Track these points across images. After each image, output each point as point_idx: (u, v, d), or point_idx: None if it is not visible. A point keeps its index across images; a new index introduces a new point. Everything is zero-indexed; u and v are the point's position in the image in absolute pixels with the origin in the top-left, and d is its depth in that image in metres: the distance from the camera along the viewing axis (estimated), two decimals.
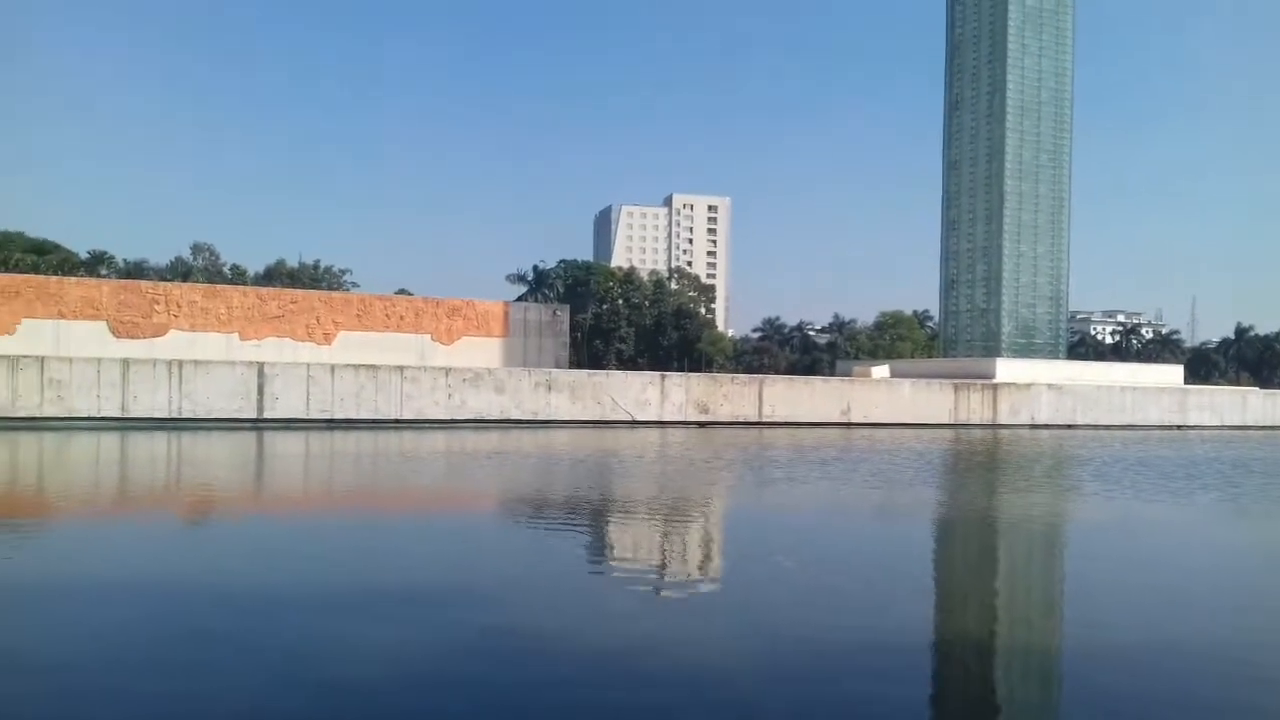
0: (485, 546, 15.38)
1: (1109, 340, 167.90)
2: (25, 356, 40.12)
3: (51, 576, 12.13)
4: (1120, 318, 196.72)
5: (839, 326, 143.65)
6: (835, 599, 11.75)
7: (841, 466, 29.60)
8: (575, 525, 17.77)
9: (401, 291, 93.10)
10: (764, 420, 50.93)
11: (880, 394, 54.99)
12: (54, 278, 61.46)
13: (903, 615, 10.95)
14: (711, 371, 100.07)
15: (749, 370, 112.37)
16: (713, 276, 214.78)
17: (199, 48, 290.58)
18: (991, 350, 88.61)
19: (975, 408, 56.22)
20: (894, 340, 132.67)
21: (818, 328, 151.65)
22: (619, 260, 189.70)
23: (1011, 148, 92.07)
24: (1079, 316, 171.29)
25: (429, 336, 61.18)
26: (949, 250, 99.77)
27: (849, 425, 51.74)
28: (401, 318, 60.86)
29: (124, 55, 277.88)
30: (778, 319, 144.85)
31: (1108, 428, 57.62)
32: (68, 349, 48.85)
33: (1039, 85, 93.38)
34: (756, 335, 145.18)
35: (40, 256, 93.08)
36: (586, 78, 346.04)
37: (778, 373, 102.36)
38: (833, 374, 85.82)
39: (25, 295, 52.81)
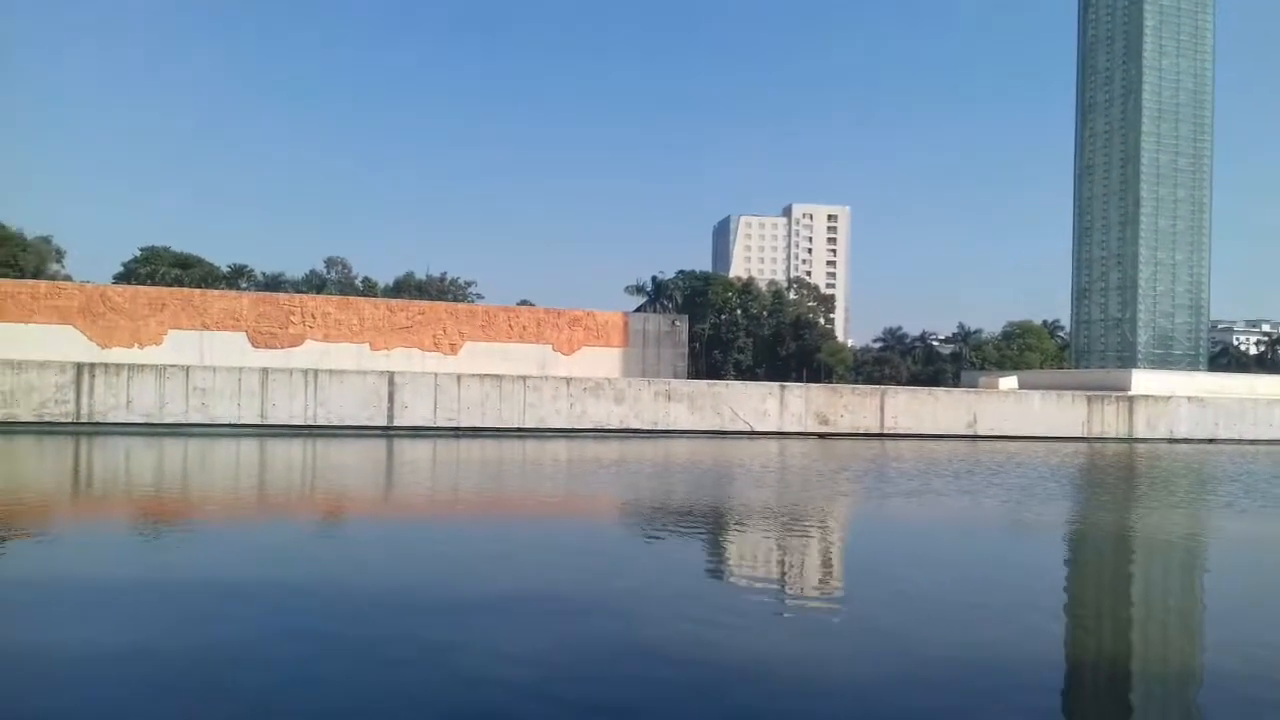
0: (616, 554, 15.55)
1: (1253, 351, 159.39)
2: (172, 366, 42.35)
3: (219, 577, 12.81)
4: (1265, 327, 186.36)
5: (963, 336, 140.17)
6: (974, 615, 11.51)
7: (976, 479, 28.87)
8: (711, 535, 17.82)
9: (524, 302, 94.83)
10: (886, 432, 50.06)
11: (1008, 406, 53.43)
12: (198, 290, 64.65)
13: (1046, 636, 10.66)
14: (831, 382, 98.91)
15: (869, 381, 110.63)
16: (832, 286, 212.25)
17: (328, 70, 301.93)
18: (1126, 361, 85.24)
19: (1109, 421, 54.10)
20: (1021, 350, 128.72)
21: (941, 338, 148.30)
22: (737, 271, 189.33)
23: (1148, 152, 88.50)
24: (1220, 326, 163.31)
25: (550, 347, 62.07)
26: (1081, 258, 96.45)
27: (975, 438, 50.42)
28: (524, 328, 61.91)
29: (255, 73, 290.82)
30: (899, 329, 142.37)
31: (1252, 442, 54.67)
32: (211, 359, 51.33)
33: (1177, 86, 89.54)
34: (877, 345, 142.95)
35: (185, 270, 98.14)
36: (705, 89, 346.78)
37: (899, 384, 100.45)
38: (957, 385, 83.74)
39: (171, 307, 55.66)
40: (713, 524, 19.14)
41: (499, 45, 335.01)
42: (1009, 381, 72.38)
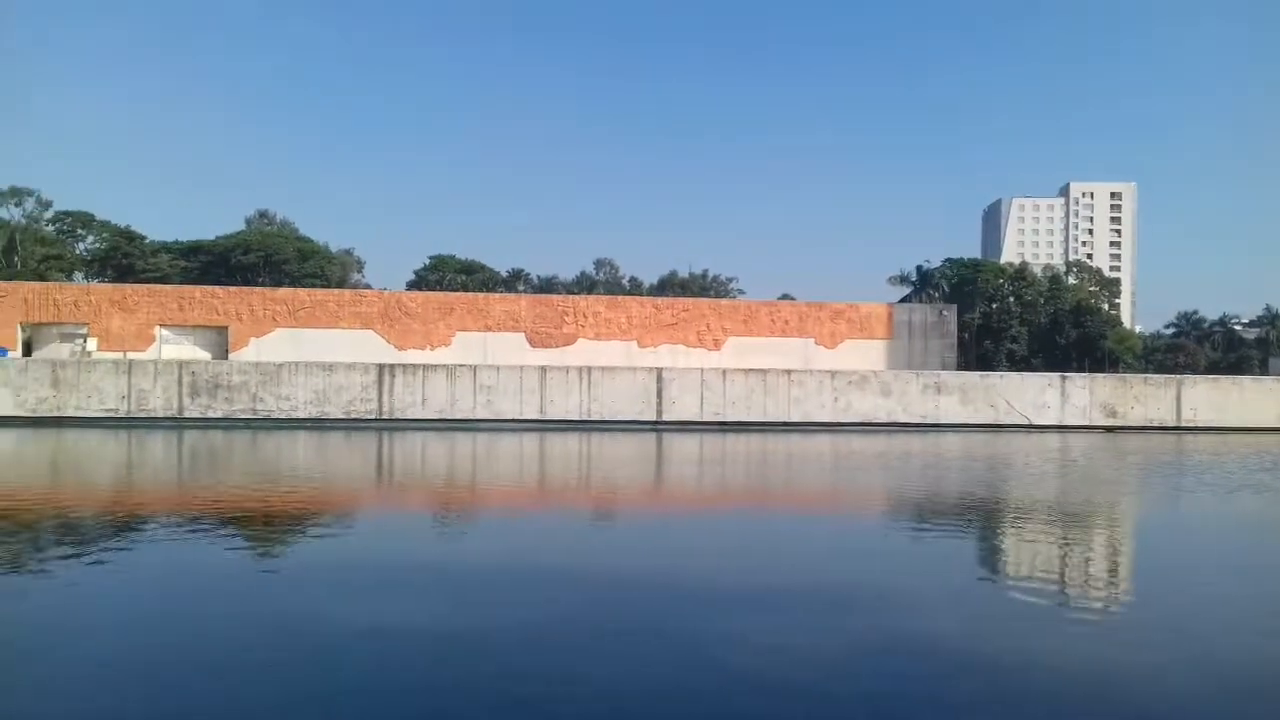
0: (894, 551, 15.41)
1: None
2: (461, 366, 45.60)
3: (515, 564, 13.85)
4: None
5: (1271, 319, 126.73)
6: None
7: None
8: (996, 533, 17.31)
9: (784, 296, 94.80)
10: (1183, 425, 46.21)
11: None
12: (481, 295, 69.24)
13: None
14: (1116, 372, 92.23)
15: (1160, 370, 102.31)
16: (1116, 269, 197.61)
17: (598, 82, 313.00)
18: None
19: None
20: None
21: (1244, 321, 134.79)
22: (1009, 256, 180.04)
23: None
24: None
25: (812, 340, 61.75)
26: None
27: None
28: (786, 322, 61.95)
29: (539, 92, 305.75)
30: (1194, 313, 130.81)
31: None
32: (493, 358, 54.81)
33: None
34: (1169, 332, 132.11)
35: (469, 276, 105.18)
36: (968, 68, 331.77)
37: (1196, 372, 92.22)
38: (1265, 373, 75.87)
39: (458, 311, 59.91)
40: (998, 521, 18.51)
41: (757, 40, 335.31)
42: None
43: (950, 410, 45.63)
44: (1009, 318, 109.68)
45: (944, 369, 58.54)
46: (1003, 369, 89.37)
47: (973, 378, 48.59)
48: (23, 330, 54.37)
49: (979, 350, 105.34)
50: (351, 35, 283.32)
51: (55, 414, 41.32)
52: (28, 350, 53.82)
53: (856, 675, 8.46)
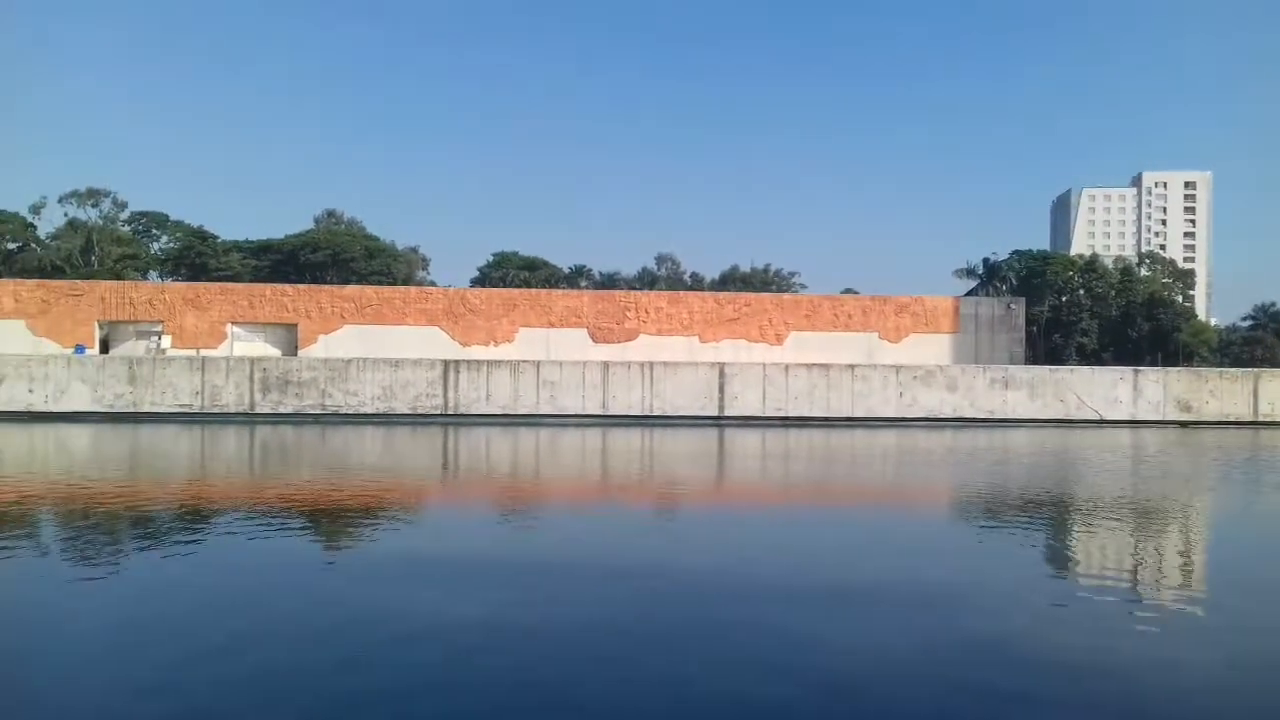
0: (971, 548, 15.24)
1: None
2: (524, 361, 46.00)
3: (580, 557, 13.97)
4: None
5: None
6: None
7: None
8: (1095, 532, 17.03)
9: (848, 291, 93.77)
10: (1260, 420, 44.97)
11: None
12: (544, 291, 69.61)
13: None
14: (1191, 365, 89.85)
15: (1237, 363, 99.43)
16: (1191, 260, 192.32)
17: (656, 77, 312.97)
18: None
19: None
20: None
21: None
22: (1079, 248, 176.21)
23: None
24: None
25: (876, 335, 61.11)
26: None
27: None
28: (849, 317, 61.39)
29: (588, 92, 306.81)
30: (1272, 304, 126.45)
31: None
32: (556, 353, 55.16)
33: None
34: (1246, 324, 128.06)
35: (531, 272, 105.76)
36: (1037, 59, 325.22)
37: (1274, 365, 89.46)
38: None
39: (521, 307, 60.36)
40: (1082, 519, 18.18)
41: (821, 36, 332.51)
42: None
43: (1019, 405, 44.90)
44: (1079, 311, 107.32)
45: (1011, 363, 57.53)
46: (1072, 363, 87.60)
47: (1042, 372, 47.76)
48: (100, 328, 55.95)
49: (1048, 344, 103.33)
50: (414, 35, 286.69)
51: (132, 409, 42.54)
52: (105, 348, 55.39)
53: (928, 678, 8.39)
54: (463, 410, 43.98)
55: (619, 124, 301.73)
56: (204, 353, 51.38)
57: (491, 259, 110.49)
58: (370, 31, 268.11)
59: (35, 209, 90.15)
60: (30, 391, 42.38)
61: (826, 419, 44.15)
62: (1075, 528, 17.06)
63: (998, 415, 44.61)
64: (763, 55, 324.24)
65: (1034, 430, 41.91)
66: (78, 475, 23.74)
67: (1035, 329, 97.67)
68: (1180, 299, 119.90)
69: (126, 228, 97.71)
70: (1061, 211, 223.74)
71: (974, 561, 13.65)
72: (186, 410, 42.78)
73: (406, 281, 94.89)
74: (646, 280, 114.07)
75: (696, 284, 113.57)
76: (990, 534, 16.41)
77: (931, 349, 60.54)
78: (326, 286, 63.36)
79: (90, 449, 31.70)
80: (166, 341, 54.86)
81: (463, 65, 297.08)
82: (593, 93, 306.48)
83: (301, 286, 61.73)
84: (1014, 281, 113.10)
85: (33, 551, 13.86)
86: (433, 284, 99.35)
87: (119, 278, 76.79)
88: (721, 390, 44.40)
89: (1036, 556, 14.62)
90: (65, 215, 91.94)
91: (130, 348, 55.32)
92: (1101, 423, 44.35)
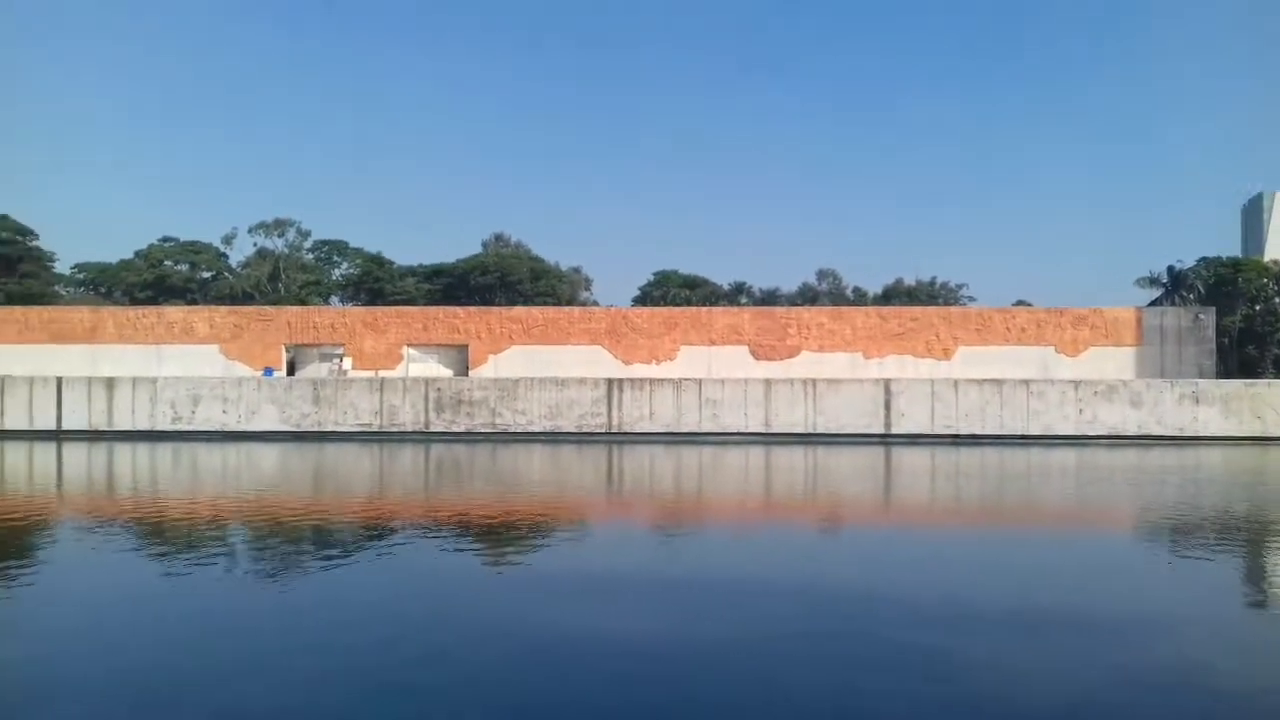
0: (1163, 575, 14.49)
1: None
2: (687, 379, 46.21)
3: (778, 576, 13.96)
4: None
5: None
6: None
7: None
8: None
9: (1020, 303, 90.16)
10: None
11: None
12: (704, 309, 69.76)
13: None
14: None
15: None
16: None
17: (811, 100, 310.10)
18: None
19: None
20: None
21: None
22: (1273, 253, 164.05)
23: None
24: None
25: (1052, 348, 58.54)
26: None
27: None
28: (1023, 330, 59.05)
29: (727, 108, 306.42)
30: None
31: None
32: (717, 371, 55.19)
33: None
34: None
35: (692, 290, 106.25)
36: (1223, 55, 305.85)
37: None
38: None
39: (682, 325, 60.71)
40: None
41: (985, 46, 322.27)
42: None
43: (1210, 422, 42.20)
44: (1275, 320, 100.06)
45: (1201, 377, 54.14)
46: (1269, 377, 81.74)
47: (1236, 386, 44.80)
48: (286, 351, 59.35)
49: (1240, 357, 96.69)
50: (573, 70, 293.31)
51: (316, 429, 44.92)
52: (291, 370, 58.69)
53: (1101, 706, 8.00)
54: (626, 429, 44.49)
55: (777, 137, 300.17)
56: (382, 374, 53.84)
57: (652, 278, 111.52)
58: (529, 63, 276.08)
59: (227, 240, 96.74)
60: (224, 412, 45.34)
61: (999, 436, 42.54)
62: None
63: (1187, 433, 42.01)
64: (923, 67, 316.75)
65: (1227, 448, 39.28)
66: (303, 494, 25.22)
67: (1226, 340, 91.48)
68: None
69: (310, 255, 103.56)
70: (1254, 215, 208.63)
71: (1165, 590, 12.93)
72: (366, 429, 44.88)
73: (570, 302, 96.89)
74: (808, 296, 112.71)
75: (859, 299, 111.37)
76: (1211, 565, 15.51)
77: (1112, 363, 57.56)
78: (495, 308, 65.40)
79: (296, 468, 33.66)
80: (348, 363, 57.67)
81: (624, 83, 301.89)
82: (755, 107, 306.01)
83: (472, 309, 63.85)
84: (1202, 290, 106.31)
85: (280, 561, 14.83)
86: (595, 304, 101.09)
87: (303, 303, 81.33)
88: (888, 407, 43.44)
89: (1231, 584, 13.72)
90: (254, 245, 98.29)
91: (314, 370, 58.43)
92: None
